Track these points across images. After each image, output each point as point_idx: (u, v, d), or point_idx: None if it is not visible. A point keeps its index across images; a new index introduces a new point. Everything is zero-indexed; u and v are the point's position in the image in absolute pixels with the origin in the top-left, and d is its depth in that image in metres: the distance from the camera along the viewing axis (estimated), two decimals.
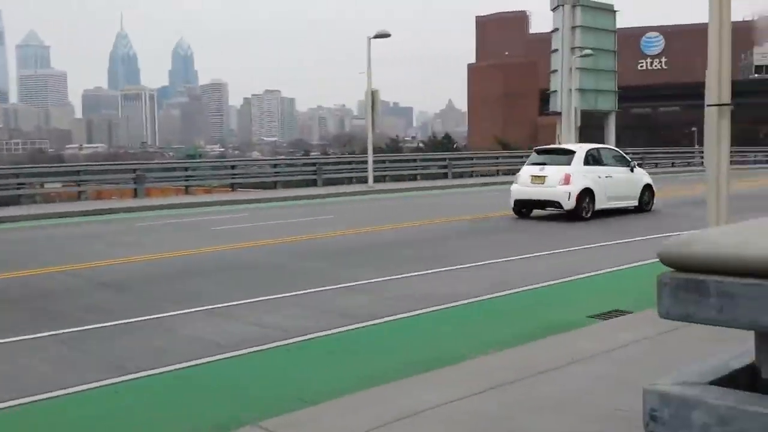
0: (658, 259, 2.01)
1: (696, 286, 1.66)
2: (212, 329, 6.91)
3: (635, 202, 17.46)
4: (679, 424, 1.54)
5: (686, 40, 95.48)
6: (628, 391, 4.35)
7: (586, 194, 16.12)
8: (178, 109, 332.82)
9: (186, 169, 28.73)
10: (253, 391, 5.24)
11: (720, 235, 1.74)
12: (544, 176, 16.45)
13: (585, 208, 16.04)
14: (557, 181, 16.18)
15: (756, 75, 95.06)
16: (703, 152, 38.56)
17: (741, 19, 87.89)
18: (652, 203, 17.89)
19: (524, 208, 16.89)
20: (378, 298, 8.10)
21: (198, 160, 43.81)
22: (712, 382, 1.68)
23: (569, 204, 15.94)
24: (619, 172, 17.36)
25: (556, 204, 16.30)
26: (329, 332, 6.64)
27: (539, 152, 18.30)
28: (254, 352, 6.12)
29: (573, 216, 15.86)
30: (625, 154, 18.82)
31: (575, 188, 15.98)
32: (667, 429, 1.56)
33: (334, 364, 5.84)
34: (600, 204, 16.49)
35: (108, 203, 23.48)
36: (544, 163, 17.04)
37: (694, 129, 68.25)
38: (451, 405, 4.32)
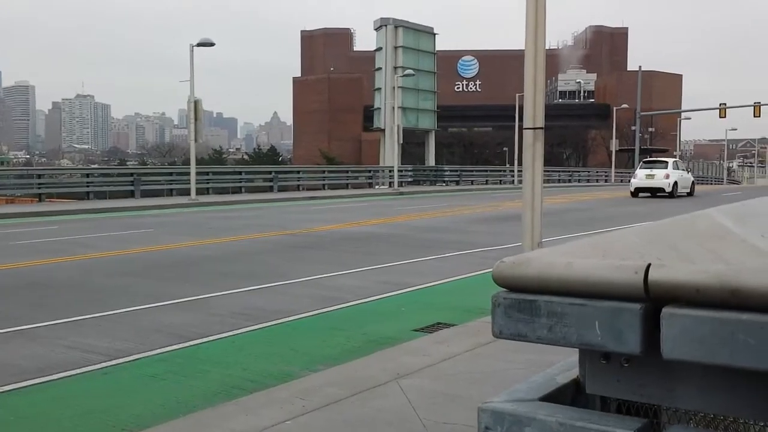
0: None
1: (527, 306, 1.71)
2: (17, 353, 6.34)
3: (688, 190, 33.05)
4: None
5: (499, 64, 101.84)
6: (452, 404, 4.50)
7: (675, 185, 31.31)
8: None
9: None
10: (65, 421, 4.85)
11: (549, 255, 1.82)
12: (654, 174, 31.60)
13: (674, 192, 30.96)
14: (662, 177, 31.25)
15: (560, 100, 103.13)
16: (513, 171, 42.02)
17: (547, 48, 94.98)
18: (694, 192, 33.84)
19: (640, 193, 31.47)
20: (204, 316, 7.83)
21: (0, 168, 40.49)
22: (542, 398, 1.74)
23: (669, 189, 30.91)
24: (684, 174, 33.37)
25: (662, 190, 30.95)
26: (152, 353, 6.32)
27: (646, 162, 34.10)
28: (67, 377, 5.68)
29: (670, 196, 30.44)
30: (684, 164, 38.77)
31: (671, 181, 31.17)
32: None
33: (156, 388, 5.54)
34: (679, 191, 31.72)
35: None
36: (652, 168, 32.31)
37: (505, 149, 72.61)
38: (281, 426, 4.24)
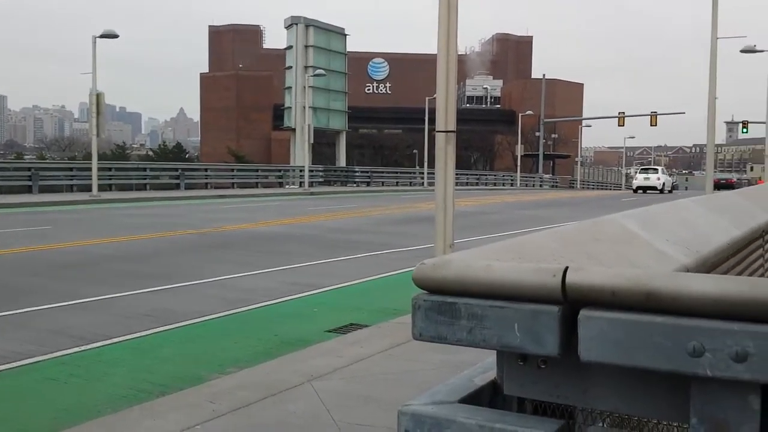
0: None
1: (448, 308, 1.72)
2: None
3: (670, 189, 47.06)
4: None
5: (409, 67, 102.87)
6: (367, 406, 4.51)
7: (664, 185, 46.04)
8: None
9: None
10: None
11: (469, 258, 1.83)
12: (649, 177, 46.80)
13: (664, 190, 45.10)
14: (655, 180, 46.18)
15: (467, 105, 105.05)
16: (423, 173, 42.69)
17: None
18: (674, 190, 49.49)
19: (639, 190, 45.56)
20: (109, 317, 7.57)
21: None
22: (461, 400, 1.76)
23: (660, 188, 45.31)
24: (668, 177, 49.72)
25: (655, 188, 45.34)
26: (53, 355, 6.06)
27: (643, 169, 50.74)
28: None
29: (661, 192, 44.08)
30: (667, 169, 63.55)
31: (662, 182, 45.99)
32: None
33: (59, 392, 5.31)
34: (666, 189, 45.65)
35: None
36: (647, 173, 47.68)
37: (415, 151, 73.38)
38: (189, 431, 4.14)
